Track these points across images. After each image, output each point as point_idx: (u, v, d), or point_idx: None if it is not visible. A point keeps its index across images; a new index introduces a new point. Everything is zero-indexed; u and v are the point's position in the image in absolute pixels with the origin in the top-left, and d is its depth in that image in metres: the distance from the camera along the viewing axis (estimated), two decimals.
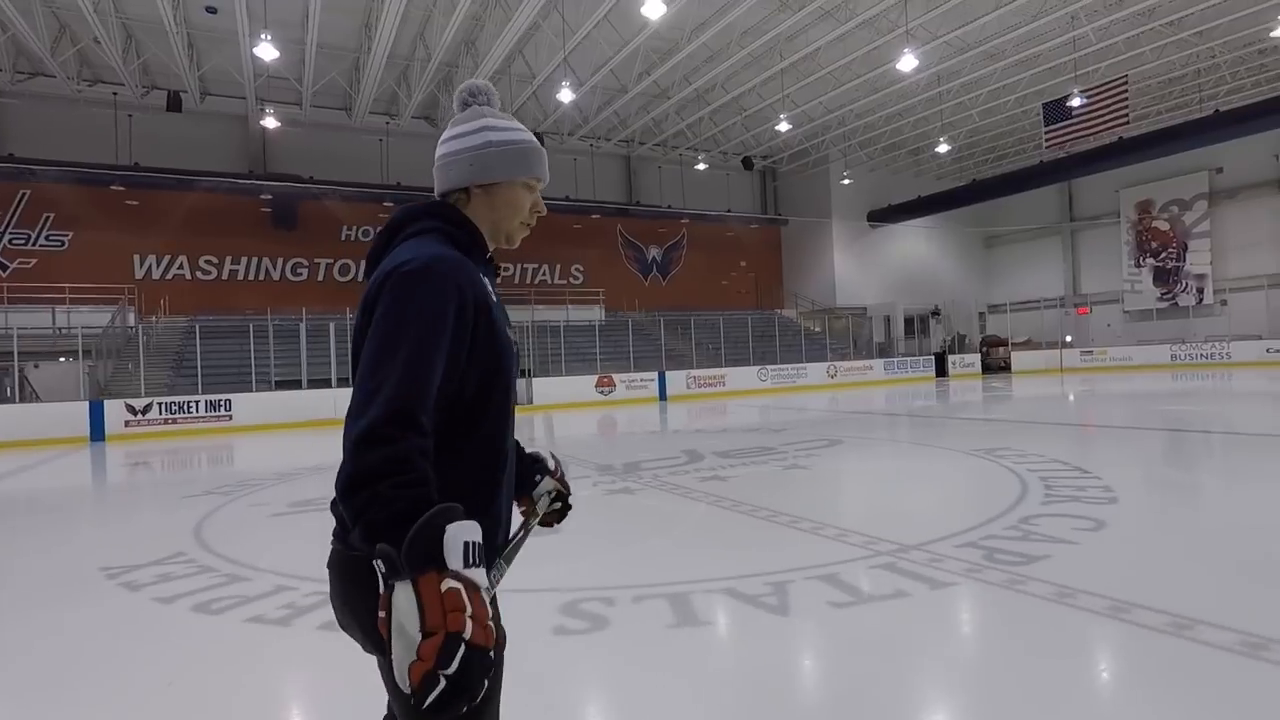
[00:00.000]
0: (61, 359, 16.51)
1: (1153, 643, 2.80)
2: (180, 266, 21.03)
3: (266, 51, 14.26)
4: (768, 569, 3.86)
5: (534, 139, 1.34)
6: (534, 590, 3.61)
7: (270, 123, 18.66)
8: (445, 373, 1.08)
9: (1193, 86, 21.75)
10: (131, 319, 18.38)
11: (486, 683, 0.84)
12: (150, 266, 20.66)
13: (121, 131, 19.11)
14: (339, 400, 16.40)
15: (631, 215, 26.62)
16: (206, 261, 21.28)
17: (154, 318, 19.27)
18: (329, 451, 11.09)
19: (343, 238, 22.87)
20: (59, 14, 15.44)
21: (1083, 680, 2.60)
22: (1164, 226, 27.15)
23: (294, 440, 13.24)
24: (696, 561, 4.30)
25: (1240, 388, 16.12)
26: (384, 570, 0.88)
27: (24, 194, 19.02)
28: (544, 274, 25.95)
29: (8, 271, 18.86)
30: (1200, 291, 26.17)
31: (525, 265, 25.42)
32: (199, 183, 19.84)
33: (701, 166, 26.23)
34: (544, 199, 1.37)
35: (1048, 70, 19.99)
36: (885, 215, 28.84)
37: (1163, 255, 27.20)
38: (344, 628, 1.13)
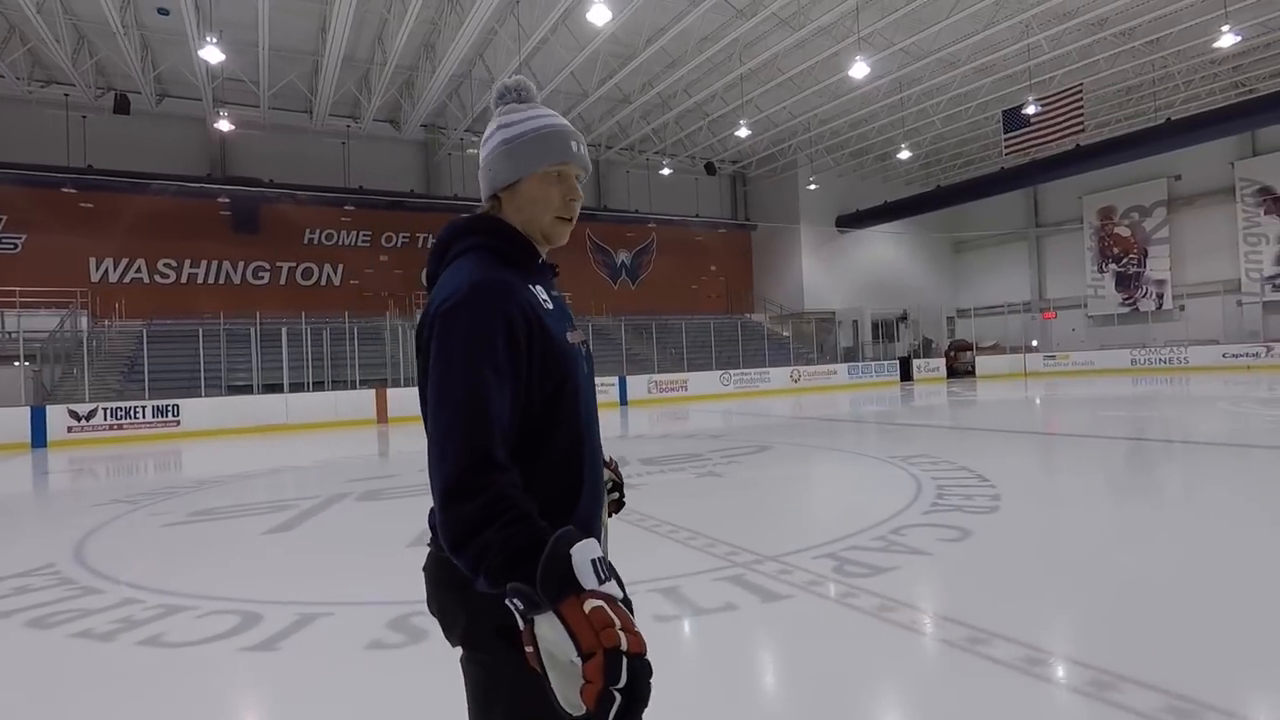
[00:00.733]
0: (15, 363, 16.25)
1: (951, 657, 2.83)
2: (138, 270, 20.75)
3: (213, 54, 14.17)
4: None
5: (552, 121, 1.25)
6: (361, 604, 3.58)
7: (224, 125, 18.44)
8: (510, 399, 1.08)
9: (1149, 95, 22.11)
10: (84, 323, 18.13)
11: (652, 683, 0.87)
12: (107, 270, 20.38)
13: (75, 133, 18.86)
14: (291, 404, 16.29)
15: (599, 220, 26.57)
16: (165, 265, 21.01)
17: (108, 322, 19.02)
18: (271, 456, 11.06)
19: (305, 241, 22.71)
20: (6, 14, 15.23)
21: (862, 696, 2.61)
22: (1125, 233, 27.48)
23: (238, 446, 13.12)
24: None
25: (1194, 392, 16.30)
26: (521, 608, 0.90)
27: None
28: None
29: None
30: (1160, 297, 26.51)
31: None
32: (154, 185, 19.64)
33: (666, 171, 26.24)
34: None
35: (1006, 78, 20.23)
36: (853, 220, 28.97)
37: (1124, 261, 27.52)
38: (445, 632, 1.17)
